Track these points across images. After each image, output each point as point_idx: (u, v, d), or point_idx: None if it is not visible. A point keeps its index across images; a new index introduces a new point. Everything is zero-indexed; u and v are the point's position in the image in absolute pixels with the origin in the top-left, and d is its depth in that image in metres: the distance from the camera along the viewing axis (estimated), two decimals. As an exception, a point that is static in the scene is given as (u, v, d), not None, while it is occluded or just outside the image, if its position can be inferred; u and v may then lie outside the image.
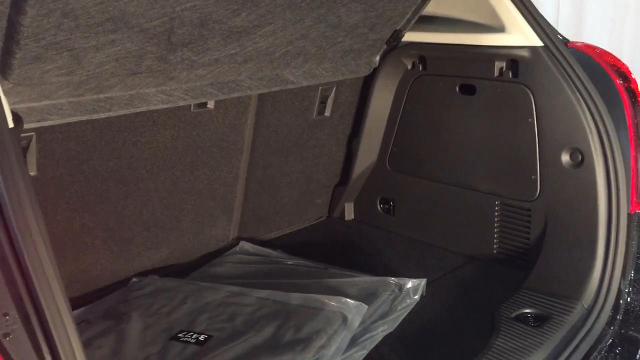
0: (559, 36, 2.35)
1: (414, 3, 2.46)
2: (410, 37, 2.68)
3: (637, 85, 2.29)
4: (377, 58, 2.76)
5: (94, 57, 1.74)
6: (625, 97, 2.24)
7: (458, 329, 2.13)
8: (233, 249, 2.67)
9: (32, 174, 1.98)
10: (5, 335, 1.05)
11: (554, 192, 2.31)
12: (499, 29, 2.39)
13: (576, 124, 2.21)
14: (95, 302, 2.24)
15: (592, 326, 2.04)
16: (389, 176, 2.90)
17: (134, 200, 2.34)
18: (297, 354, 1.87)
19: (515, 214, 2.46)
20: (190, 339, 1.98)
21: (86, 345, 1.12)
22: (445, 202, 2.69)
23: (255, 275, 2.43)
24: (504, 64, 2.42)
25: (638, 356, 2.06)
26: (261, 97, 2.57)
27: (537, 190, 2.37)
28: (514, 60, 2.38)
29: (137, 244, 2.40)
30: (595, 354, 1.99)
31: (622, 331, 2.08)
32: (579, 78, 2.21)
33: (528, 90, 2.34)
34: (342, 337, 1.95)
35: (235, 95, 2.29)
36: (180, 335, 2.00)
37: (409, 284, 2.26)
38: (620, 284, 2.12)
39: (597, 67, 2.30)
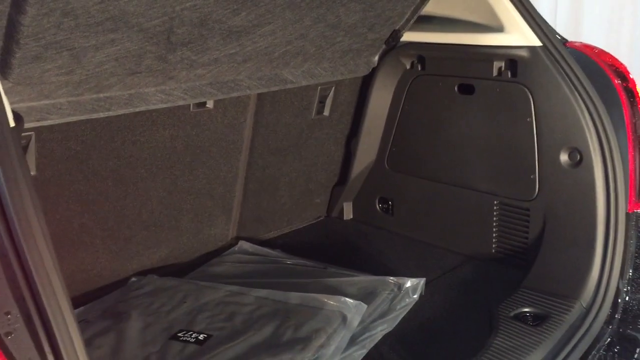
0: (557, 36, 2.35)
1: (413, 3, 2.46)
2: (409, 37, 2.68)
3: (635, 85, 2.30)
4: (376, 58, 2.76)
5: (94, 57, 1.74)
6: (623, 96, 2.25)
7: (457, 328, 2.14)
8: (232, 248, 2.67)
9: (31, 173, 1.98)
10: (7, 334, 1.05)
11: (552, 192, 2.31)
12: (498, 28, 2.40)
13: (575, 124, 2.21)
14: (95, 302, 2.23)
15: (591, 325, 2.04)
16: (387, 176, 2.90)
17: (133, 200, 2.33)
18: (297, 353, 1.87)
19: (513, 214, 2.47)
20: (189, 338, 1.98)
21: (86, 344, 1.11)
22: (444, 202, 2.69)
23: (254, 275, 2.43)
24: (502, 64, 2.42)
25: (636, 355, 2.06)
26: (260, 97, 2.57)
27: (535, 190, 2.37)
28: (512, 60, 2.39)
29: (136, 243, 2.40)
30: (593, 352, 1.99)
31: (621, 330, 2.09)
32: (578, 78, 2.21)
33: (527, 90, 2.35)
34: (342, 336, 1.96)
35: (235, 94, 2.29)
36: (179, 334, 2.00)
37: (408, 283, 2.27)
38: (618, 283, 2.12)
39: (596, 66, 2.30)
